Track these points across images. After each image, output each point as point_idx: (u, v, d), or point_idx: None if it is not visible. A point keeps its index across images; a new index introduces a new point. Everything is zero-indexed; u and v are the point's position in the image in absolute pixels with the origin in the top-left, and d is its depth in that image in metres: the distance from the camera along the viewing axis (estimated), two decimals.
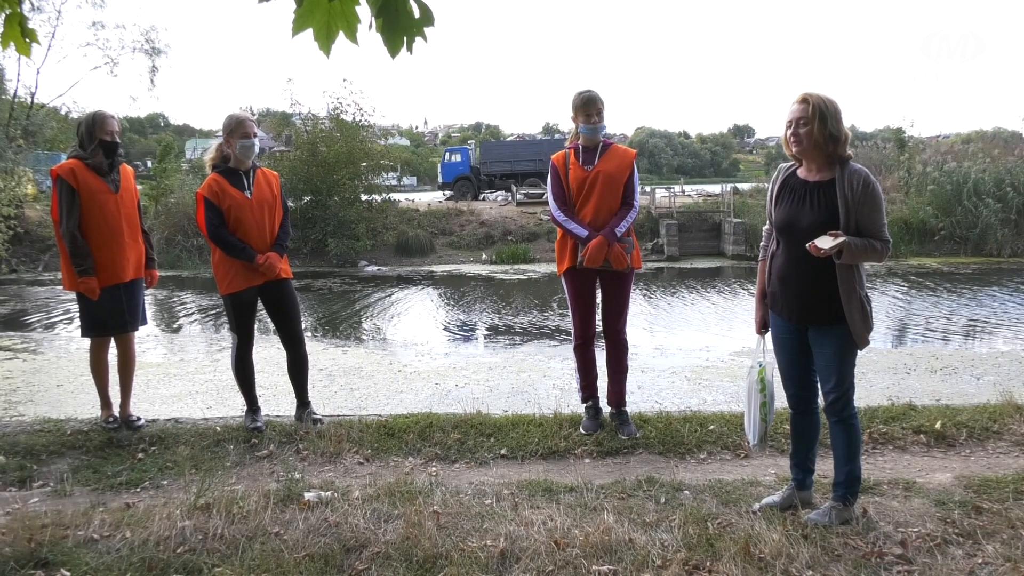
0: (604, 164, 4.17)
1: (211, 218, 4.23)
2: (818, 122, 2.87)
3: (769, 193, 3.20)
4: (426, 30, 1.95)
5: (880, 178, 24.13)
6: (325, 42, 1.88)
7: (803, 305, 3.03)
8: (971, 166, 22.60)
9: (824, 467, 3.38)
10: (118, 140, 4.30)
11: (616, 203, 4.17)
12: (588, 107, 4.12)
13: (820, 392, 3.14)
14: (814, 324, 3.03)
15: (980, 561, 2.70)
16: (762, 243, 3.31)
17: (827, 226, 2.88)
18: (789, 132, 2.96)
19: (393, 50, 1.93)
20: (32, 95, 25.73)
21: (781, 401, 3.34)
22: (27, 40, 2.26)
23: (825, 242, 2.81)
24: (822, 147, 2.92)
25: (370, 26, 1.90)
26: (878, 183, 2.95)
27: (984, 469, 3.70)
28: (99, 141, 4.20)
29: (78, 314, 4.39)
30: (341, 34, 1.89)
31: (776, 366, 3.27)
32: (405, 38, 1.93)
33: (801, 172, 3.07)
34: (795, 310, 3.06)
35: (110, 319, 4.30)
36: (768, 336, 3.27)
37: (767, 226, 3.26)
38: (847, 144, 2.94)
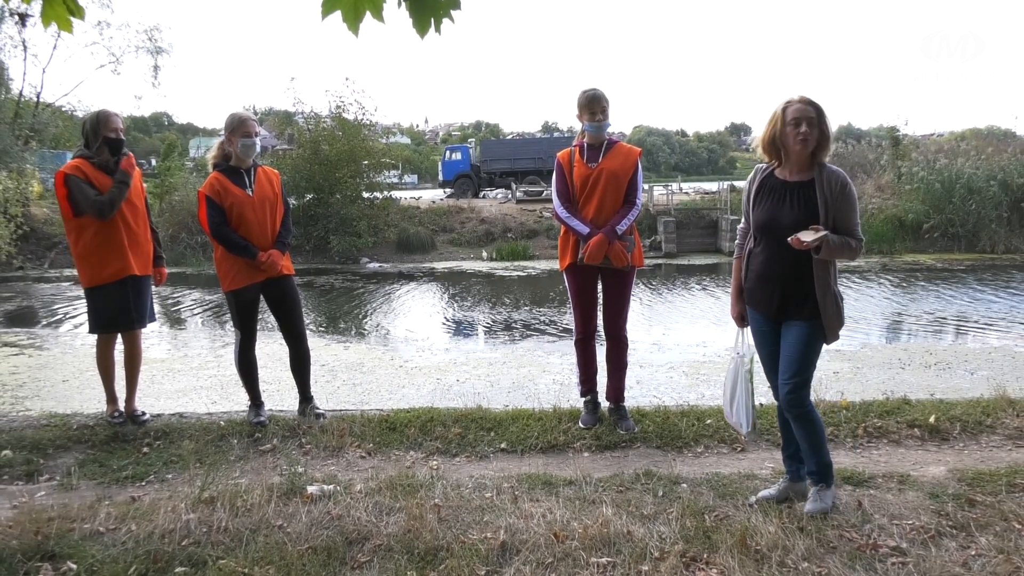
0: (608, 162, 4.20)
1: (213, 216, 4.27)
2: (822, 124, 2.99)
3: (746, 193, 3.28)
4: (453, 13, 2.01)
5: (874, 176, 24.24)
6: (353, 22, 1.94)
7: (782, 301, 3.11)
8: (964, 162, 22.57)
9: None
10: (122, 137, 4.35)
11: (619, 201, 4.20)
12: (593, 105, 4.15)
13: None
14: (790, 318, 3.11)
15: (973, 553, 2.73)
16: (737, 241, 3.39)
17: (807, 224, 2.97)
18: (799, 129, 2.97)
19: (422, 30, 1.99)
20: (38, 94, 25.80)
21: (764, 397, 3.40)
22: (71, 17, 2.26)
23: (807, 235, 2.90)
24: (817, 148, 3.01)
25: (399, 4, 1.96)
26: (853, 184, 3.08)
27: (977, 462, 3.73)
28: (104, 139, 4.24)
29: (85, 311, 4.43)
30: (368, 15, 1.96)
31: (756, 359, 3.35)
32: (433, 19, 1.99)
33: (779, 173, 3.14)
34: (773, 305, 3.14)
35: (118, 316, 4.35)
36: (748, 329, 3.35)
37: (742, 224, 3.33)
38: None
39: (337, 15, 1.93)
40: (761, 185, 3.19)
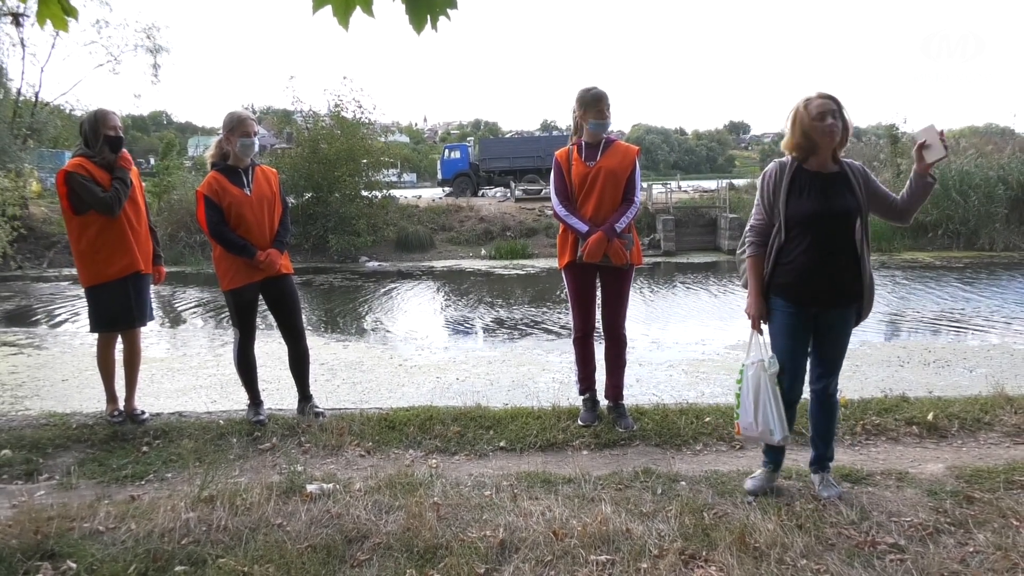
0: (606, 160, 4.20)
1: (211, 216, 4.26)
2: (845, 117, 3.08)
3: (770, 188, 3.19)
4: (450, 11, 2.01)
5: (873, 174, 24.26)
6: (343, 16, 1.95)
7: (831, 289, 3.11)
8: (963, 160, 22.54)
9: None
10: (121, 135, 4.35)
11: (617, 199, 4.20)
12: (600, 103, 4.16)
13: (810, 374, 3.28)
14: (835, 307, 3.15)
15: (971, 550, 2.74)
16: (749, 239, 3.28)
17: (857, 210, 3.09)
18: (826, 122, 3.03)
19: (418, 26, 1.99)
20: (36, 93, 25.82)
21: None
22: (66, 17, 2.27)
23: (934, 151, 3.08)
24: (841, 141, 3.10)
25: None
26: None
27: (975, 459, 3.73)
28: (104, 137, 4.24)
29: (84, 310, 4.43)
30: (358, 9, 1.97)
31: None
32: (429, 16, 2.00)
33: (810, 166, 3.15)
34: (821, 295, 3.13)
35: (119, 315, 4.35)
36: (765, 332, 3.31)
37: (757, 220, 3.25)
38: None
39: (328, 9, 1.94)
40: (793, 179, 3.15)
